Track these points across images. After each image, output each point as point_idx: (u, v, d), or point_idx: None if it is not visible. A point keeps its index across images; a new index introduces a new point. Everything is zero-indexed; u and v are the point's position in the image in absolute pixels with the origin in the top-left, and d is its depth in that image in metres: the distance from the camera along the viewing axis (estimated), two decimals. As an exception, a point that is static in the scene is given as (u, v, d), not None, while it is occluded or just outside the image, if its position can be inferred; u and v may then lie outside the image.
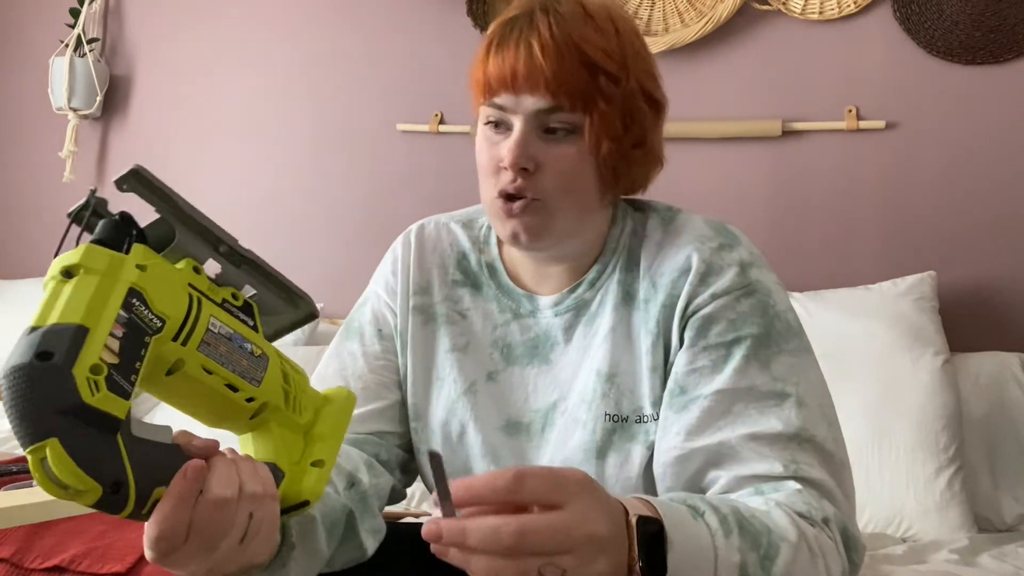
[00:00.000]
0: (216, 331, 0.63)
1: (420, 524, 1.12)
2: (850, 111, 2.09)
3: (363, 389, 0.95)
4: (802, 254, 2.10)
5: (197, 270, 0.65)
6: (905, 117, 2.07)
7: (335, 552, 0.81)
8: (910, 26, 2.06)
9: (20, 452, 1.78)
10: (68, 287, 0.57)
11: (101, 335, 0.55)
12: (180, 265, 0.64)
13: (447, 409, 0.94)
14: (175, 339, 0.60)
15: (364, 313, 1.01)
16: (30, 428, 0.52)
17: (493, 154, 0.87)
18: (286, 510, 0.69)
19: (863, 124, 2.09)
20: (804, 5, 2.14)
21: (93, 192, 0.62)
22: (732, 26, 2.19)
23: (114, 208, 0.63)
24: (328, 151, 2.62)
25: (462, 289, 0.98)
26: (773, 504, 0.72)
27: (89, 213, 0.62)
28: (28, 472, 1.46)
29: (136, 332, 0.58)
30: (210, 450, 0.63)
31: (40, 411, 0.52)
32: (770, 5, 2.16)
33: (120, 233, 0.62)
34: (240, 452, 0.69)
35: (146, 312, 0.58)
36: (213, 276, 0.66)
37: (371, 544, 0.85)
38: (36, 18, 2.99)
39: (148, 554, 0.61)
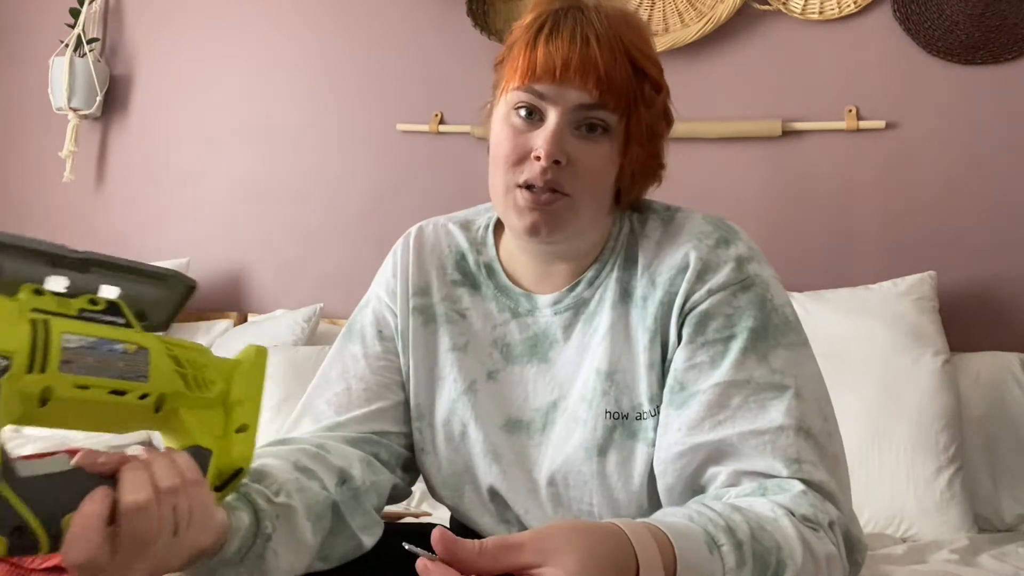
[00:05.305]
0: (74, 346, 0.60)
1: (418, 524, 1.13)
2: (850, 111, 2.09)
3: (365, 390, 0.96)
4: (802, 254, 2.10)
5: (39, 292, 0.62)
6: (905, 117, 2.07)
7: (327, 544, 0.82)
8: (910, 26, 2.06)
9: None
10: None
11: None
12: (21, 295, 0.61)
13: (448, 408, 0.95)
14: (30, 371, 0.58)
15: (366, 315, 1.01)
16: None
17: (520, 143, 0.86)
18: (224, 484, 0.69)
19: (863, 124, 2.09)
20: (804, 5, 2.14)
21: None
22: (732, 26, 2.19)
23: None
24: (328, 151, 2.62)
25: (461, 289, 0.98)
26: (781, 512, 0.72)
27: None
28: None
29: None
30: (118, 462, 0.62)
31: None
32: (770, 5, 2.16)
33: None
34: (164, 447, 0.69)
35: None
36: (65, 289, 0.64)
37: (367, 538, 0.85)
38: (36, 18, 3.00)
39: None
